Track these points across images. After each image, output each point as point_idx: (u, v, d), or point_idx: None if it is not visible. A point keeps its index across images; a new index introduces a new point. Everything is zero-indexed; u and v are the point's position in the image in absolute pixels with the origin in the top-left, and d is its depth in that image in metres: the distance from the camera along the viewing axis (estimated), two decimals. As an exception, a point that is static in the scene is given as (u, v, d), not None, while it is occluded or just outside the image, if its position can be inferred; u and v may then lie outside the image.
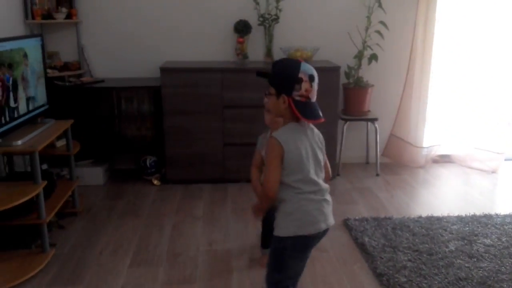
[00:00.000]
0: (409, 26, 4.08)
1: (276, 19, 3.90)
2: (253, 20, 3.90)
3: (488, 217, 3.20)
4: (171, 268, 2.60)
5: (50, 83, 3.32)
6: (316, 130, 1.89)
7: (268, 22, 3.90)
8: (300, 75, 1.75)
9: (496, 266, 2.58)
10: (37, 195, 2.55)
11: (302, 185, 1.79)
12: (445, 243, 2.83)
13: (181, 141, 3.73)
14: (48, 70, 3.56)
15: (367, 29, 3.91)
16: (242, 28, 3.87)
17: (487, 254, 2.71)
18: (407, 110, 4.21)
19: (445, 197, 3.67)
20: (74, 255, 2.73)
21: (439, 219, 3.16)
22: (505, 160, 4.25)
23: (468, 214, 3.24)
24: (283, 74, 1.80)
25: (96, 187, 3.74)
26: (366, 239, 2.87)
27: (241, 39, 3.88)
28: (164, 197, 3.58)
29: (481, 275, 2.50)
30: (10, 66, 2.65)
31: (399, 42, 4.11)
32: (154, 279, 2.49)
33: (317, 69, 1.83)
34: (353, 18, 3.98)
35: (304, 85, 1.75)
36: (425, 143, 4.25)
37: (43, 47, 3.12)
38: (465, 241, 2.85)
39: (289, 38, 3.98)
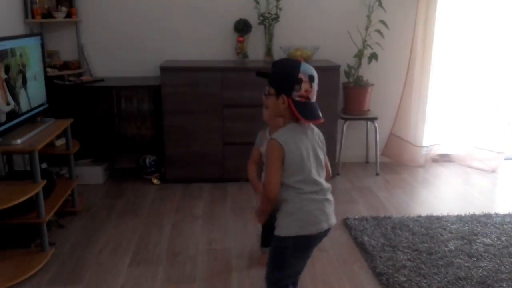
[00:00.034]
0: (409, 25, 4.08)
1: (276, 18, 3.90)
2: (253, 19, 3.90)
3: (488, 216, 3.20)
4: (170, 267, 2.60)
5: (49, 82, 3.32)
6: (316, 130, 1.89)
7: (268, 21, 3.90)
8: (300, 75, 1.74)
9: (496, 266, 2.58)
10: (37, 194, 2.55)
11: (304, 185, 1.79)
12: (445, 242, 2.83)
13: (181, 140, 3.73)
14: (48, 69, 3.56)
15: (367, 28, 3.91)
16: (242, 27, 3.87)
17: (486, 254, 2.71)
18: (407, 109, 4.21)
19: (444, 196, 3.67)
20: (73, 254, 2.73)
21: (438, 218, 3.16)
22: (505, 159, 4.25)
23: (468, 214, 3.24)
24: (282, 74, 1.79)
25: (95, 186, 3.73)
26: (366, 238, 2.87)
27: (241, 38, 3.88)
28: (163, 196, 3.58)
29: (480, 274, 2.50)
30: (10, 65, 2.65)
31: (399, 41, 4.11)
32: (153, 278, 2.49)
33: (317, 68, 1.83)
34: (353, 17, 3.98)
35: (304, 86, 1.75)
36: (425, 143, 4.25)
37: (43, 46, 3.12)
38: (465, 241, 2.85)
39: (289, 37, 3.98)
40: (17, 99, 2.74)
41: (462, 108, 4.24)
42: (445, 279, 2.44)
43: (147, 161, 3.89)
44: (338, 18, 4.03)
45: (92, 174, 3.77)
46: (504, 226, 3.05)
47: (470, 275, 2.48)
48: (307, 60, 3.68)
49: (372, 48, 3.92)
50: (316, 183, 1.81)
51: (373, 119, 4.05)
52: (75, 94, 3.73)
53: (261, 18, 3.90)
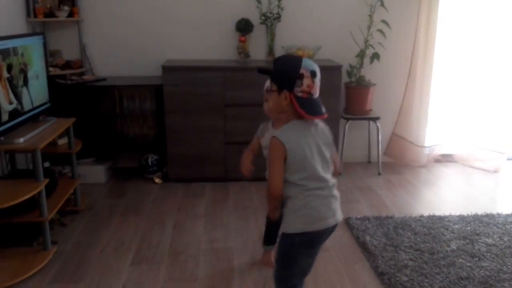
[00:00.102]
0: (411, 25, 4.07)
1: (278, 17, 3.90)
2: (255, 19, 3.90)
3: (490, 216, 3.19)
4: (172, 266, 2.60)
5: (52, 81, 3.32)
6: (321, 126, 1.86)
7: (270, 20, 3.90)
8: (302, 71, 1.73)
9: (498, 266, 2.58)
10: (39, 193, 2.56)
11: (308, 182, 1.77)
12: (447, 242, 2.83)
13: (183, 140, 3.73)
14: (50, 69, 3.56)
15: (369, 28, 3.91)
16: (244, 27, 3.87)
17: (488, 254, 2.70)
18: (409, 109, 4.20)
19: (447, 196, 3.66)
20: (75, 253, 2.73)
21: (440, 218, 3.16)
22: (507, 159, 4.25)
23: (470, 214, 3.24)
24: (284, 70, 1.78)
25: (98, 185, 3.74)
26: (368, 238, 2.87)
27: (243, 38, 3.88)
28: (165, 196, 3.58)
29: (482, 274, 2.49)
30: (12, 64, 2.66)
31: (401, 41, 4.11)
32: (155, 277, 2.49)
33: (319, 68, 1.82)
34: (355, 16, 3.97)
35: (306, 81, 1.74)
36: (427, 143, 4.24)
37: (45, 45, 3.12)
38: (467, 241, 2.85)
39: (291, 37, 3.98)
40: (19, 98, 2.74)
41: (464, 108, 4.23)
42: (447, 279, 2.44)
43: (149, 160, 3.89)
44: (340, 17, 4.03)
45: (94, 173, 3.77)
46: (507, 226, 3.05)
47: (472, 275, 2.48)
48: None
49: (374, 48, 3.92)
50: (321, 179, 1.79)
51: (375, 119, 4.05)
52: (77, 93, 3.74)
53: (263, 17, 3.90)
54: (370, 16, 3.88)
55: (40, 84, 3.02)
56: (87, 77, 3.84)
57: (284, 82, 1.77)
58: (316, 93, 1.78)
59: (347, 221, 3.09)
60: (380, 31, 3.85)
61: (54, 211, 2.73)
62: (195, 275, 2.52)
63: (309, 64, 1.76)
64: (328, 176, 1.83)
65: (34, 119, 2.93)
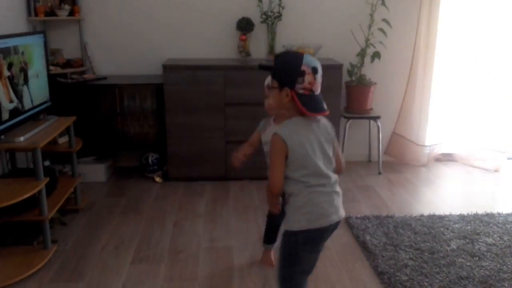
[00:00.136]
0: (412, 24, 4.07)
1: (279, 16, 3.90)
2: (255, 18, 3.90)
3: (490, 216, 3.19)
4: (172, 265, 2.60)
5: (52, 80, 3.33)
6: (323, 122, 1.84)
7: (271, 19, 3.90)
8: (303, 67, 1.72)
9: (498, 265, 2.58)
10: (39, 192, 2.56)
11: (310, 178, 1.76)
12: (447, 241, 2.83)
13: (183, 139, 3.73)
14: (51, 67, 3.57)
15: (370, 26, 3.90)
16: (244, 26, 3.87)
17: (489, 253, 2.70)
18: (409, 108, 4.20)
19: (447, 195, 3.66)
20: (75, 251, 2.74)
21: (441, 217, 3.16)
22: (508, 159, 4.24)
23: (470, 213, 3.23)
24: (285, 67, 1.77)
25: (98, 184, 3.74)
26: (368, 237, 2.87)
27: (243, 37, 3.88)
28: (166, 195, 3.58)
29: (482, 274, 2.49)
30: (13, 63, 2.66)
31: (402, 40, 4.10)
32: (155, 276, 2.50)
33: (320, 64, 1.80)
34: (356, 15, 3.97)
35: (307, 78, 1.73)
36: (427, 142, 4.24)
37: (45, 44, 3.13)
38: (467, 240, 2.85)
39: (291, 36, 3.98)
40: (20, 96, 2.74)
41: (465, 107, 4.23)
42: (447, 279, 2.44)
43: (150, 159, 3.89)
44: (341, 16, 4.03)
45: (94, 172, 3.78)
46: (507, 225, 3.05)
47: (472, 275, 2.48)
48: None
49: (375, 47, 3.92)
50: (324, 176, 1.78)
51: (375, 118, 4.05)
52: (78, 92, 3.74)
53: (263, 16, 3.89)
54: (371, 15, 3.88)
55: (40, 82, 3.03)
56: (87, 76, 3.84)
57: (285, 79, 1.75)
58: (318, 90, 1.77)
59: (347, 220, 3.09)
60: (381, 30, 3.84)
61: (54, 210, 2.73)
62: (195, 274, 2.52)
63: (310, 61, 1.75)
64: (330, 172, 1.82)
65: (35, 118, 2.93)
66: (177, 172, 3.81)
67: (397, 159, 4.34)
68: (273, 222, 2.53)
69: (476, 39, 4.08)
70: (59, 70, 3.74)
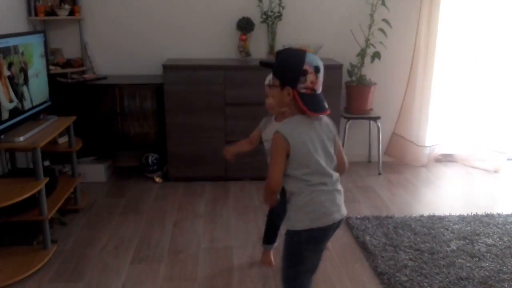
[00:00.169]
0: (412, 24, 4.07)
1: (279, 16, 3.90)
2: (256, 18, 3.90)
3: (490, 216, 3.19)
4: (172, 265, 2.60)
5: (52, 79, 3.33)
6: (325, 120, 1.83)
7: (271, 19, 3.90)
8: (305, 66, 1.70)
9: (498, 266, 2.58)
10: (39, 192, 2.56)
11: (312, 177, 1.75)
12: (447, 242, 2.83)
13: (183, 139, 3.73)
14: (51, 67, 3.57)
15: (370, 27, 3.90)
16: (245, 26, 3.87)
17: (488, 254, 2.70)
18: (409, 109, 4.20)
19: (447, 196, 3.66)
20: (75, 251, 2.74)
21: (440, 218, 3.16)
22: (508, 159, 4.24)
23: (470, 214, 3.23)
24: (287, 66, 1.75)
25: (98, 184, 3.74)
26: (367, 238, 2.87)
27: (243, 37, 3.87)
28: (165, 195, 3.58)
29: (482, 274, 2.49)
30: (13, 62, 2.66)
31: (402, 40, 4.10)
32: (155, 276, 2.50)
33: (322, 62, 1.79)
34: (356, 15, 3.97)
35: (310, 77, 1.71)
36: (427, 142, 4.24)
37: (46, 43, 3.13)
38: (467, 241, 2.85)
39: (292, 36, 3.97)
40: (20, 96, 2.74)
41: (465, 108, 4.23)
42: (447, 279, 2.44)
43: (150, 159, 3.89)
44: (341, 16, 4.03)
45: (94, 172, 3.78)
46: (507, 226, 3.05)
47: (472, 275, 2.48)
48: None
49: (375, 47, 3.92)
50: (325, 174, 1.78)
51: (375, 119, 4.04)
52: (78, 92, 3.73)
53: (264, 16, 3.89)
54: (371, 15, 3.88)
55: (40, 82, 3.03)
56: (87, 76, 3.84)
57: (287, 78, 1.73)
58: (319, 89, 1.76)
59: (347, 221, 3.09)
60: (381, 30, 3.84)
61: (54, 210, 2.73)
62: (195, 274, 2.52)
63: (312, 60, 1.73)
64: (332, 170, 1.81)
65: (35, 118, 2.93)
66: (177, 172, 3.81)
67: (397, 160, 4.34)
68: (273, 223, 2.53)
69: (476, 40, 4.08)
70: (59, 70, 3.74)
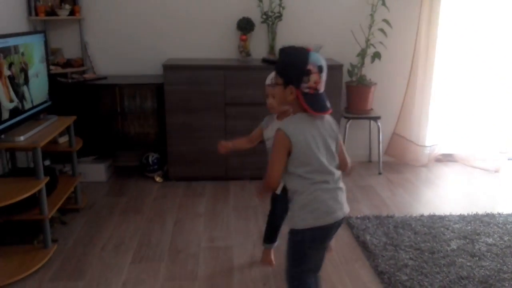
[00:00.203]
0: (413, 24, 4.07)
1: (279, 16, 3.90)
2: (256, 18, 3.90)
3: (491, 216, 3.19)
4: (172, 265, 2.60)
5: (53, 79, 3.33)
6: (327, 119, 1.82)
7: (271, 19, 3.90)
8: (309, 66, 1.69)
9: (498, 265, 2.58)
10: (39, 191, 2.56)
11: (314, 175, 1.75)
12: (447, 241, 2.83)
13: (184, 139, 3.73)
14: (51, 67, 3.57)
15: (370, 27, 3.90)
16: (245, 26, 3.87)
17: (489, 253, 2.70)
18: (410, 109, 4.20)
19: (447, 196, 3.66)
20: (76, 251, 2.74)
21: (441, 217, 3.16)
22: (508, 159, 4.24)
23: (471, 213, 3.23)
24: (291, 65, 1.73)
25: (98, 184, 3.74)
26: (368, 237, 2.87)
27: (244, 37, 3.88)
28: (166, 194, 3.58)
29: (482, 274, 2.49)
30: (13, 62, 2.66)
31: (403, 40, 4.10)
32: (155, 275, 2.50)
33: (325, 61, 1.78)
34: (357, 16, 3.97)
35: (313, 77, 1.70)
36: (428, 142, 4.24)
37: (46, 43, 3.13)
38: (467, 240, 2.85)
39: (292, 36, 3.98)
40: (20, 96, 2.75)
41: (465, 108, 4.23)
42: (447, 278, 2.44)
43: (150, 159, 3.89)
44: (341, 16, 4.03)
45: (95, 172, 3.78)
46: (507, 226, 3.05)
47: (472, 275, 2.48)
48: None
49: (375, 47, 3.92)
50: (327, 172, 1.78)
51: (376, 118, 4.05)
52: (78, 92, 3.74)
53: (264, 16, 3.90)
54: (372, 15, 3.88)
55: (40, 82, 3.03)
56: (88, 76, 3.84)
57: (291, 77, 1.72)
58: (322, 88, 1.75)
59: (347, 220, 3.09)
60: (381, 30, 3.84)
61: (54, 209, 2.74)
62: (195, 273, 2.52)
63: (316, 59, 1.71)
64: (334, 168, 1.81)
65: (35, 117, 2.93)
66: (177, 172, 3.81)
67: (398, 159, 4.34)
68: (273, 223, 2.53)
69: (476, 40, 4.08)
70: (59, 70, 3.74)
